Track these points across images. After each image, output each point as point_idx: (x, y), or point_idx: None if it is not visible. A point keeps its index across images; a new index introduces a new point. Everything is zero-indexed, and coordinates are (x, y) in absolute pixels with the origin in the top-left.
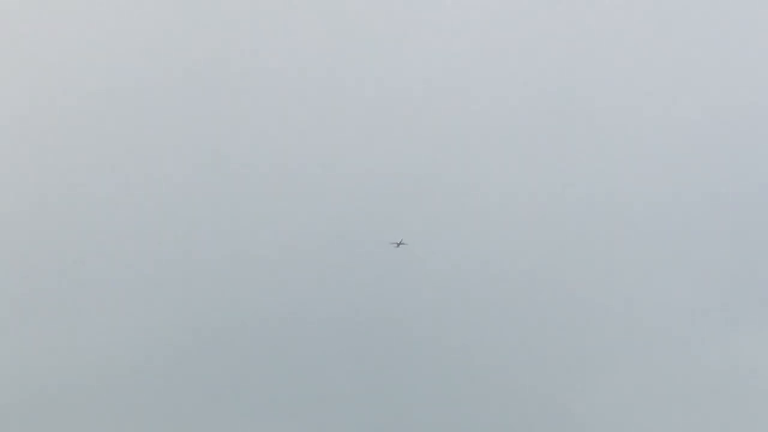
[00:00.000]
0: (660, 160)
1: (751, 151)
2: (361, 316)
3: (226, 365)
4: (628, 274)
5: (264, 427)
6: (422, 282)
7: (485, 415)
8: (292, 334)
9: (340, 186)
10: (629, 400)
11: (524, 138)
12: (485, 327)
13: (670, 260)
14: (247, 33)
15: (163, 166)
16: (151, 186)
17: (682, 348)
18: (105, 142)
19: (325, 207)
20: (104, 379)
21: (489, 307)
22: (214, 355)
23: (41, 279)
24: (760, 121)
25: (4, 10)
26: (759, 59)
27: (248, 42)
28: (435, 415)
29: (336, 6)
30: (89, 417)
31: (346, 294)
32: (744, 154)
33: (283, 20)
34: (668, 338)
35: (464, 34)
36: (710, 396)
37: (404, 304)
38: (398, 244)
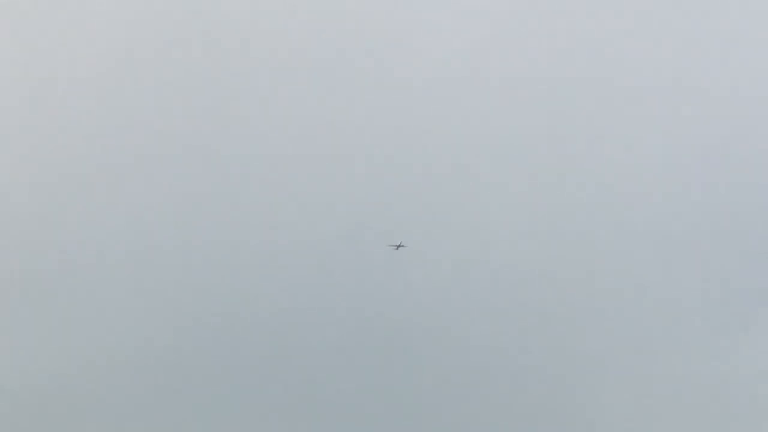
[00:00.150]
0: (660, 162)
1: (751, 153)
2: (360, 317)
3: (226, 365)
4: (628, 274)
5: (264, 427)
6: (422, 283)
7: (485, 415)
8: (291, 335)
9: (340, 186)
10: (629, 400)
11: (524, 138)
12: (485, 327)
13: (670, 260)
14: (247, 33)
15: (163, 165)
16: (151, 186)
17: (682, 349)
18: (104, 142)
19: (325, 208)
20: (104, 379)
21: (489, 308)
22: (214, 355)
23: (40, 279)
24: (761, 122)
25: (3, 10)
26: (759, 59)
27: (248, 42)
28: (435, 415)
29: (336, 6)
30: (89, 417)
31: (346, 295)
32: (744, 157)
33: (283, 20)
34: (668, 339)
35: (464, 34)
36: (710, 397)
37: (404, 304)
38: (398, 247)
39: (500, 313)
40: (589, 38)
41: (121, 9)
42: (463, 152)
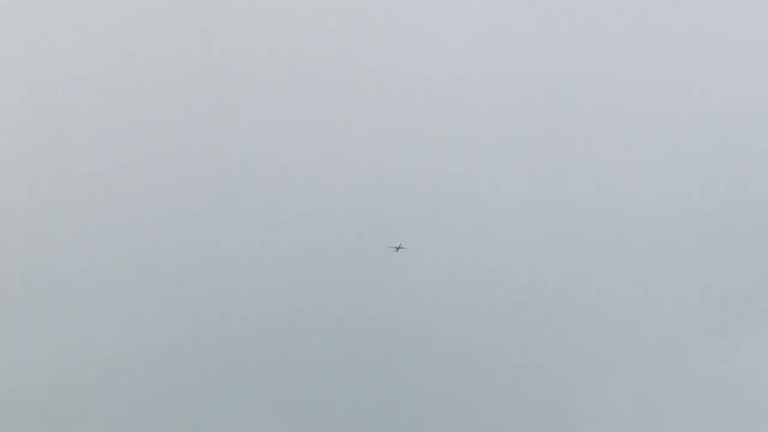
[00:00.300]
0: (660, 162)
1: (751, 153)
2: (360, 317)
3: (226, 366)
4: (628, 274)
5: (264, 427)
6: (422, 283)
7: (485, 415)
8: (291, 335)
9: (340, 187)
10: (629, 400)
11: (524, 138)
12: (485, 327)
13: (670, 260)
14: (247, 33)
15: (163, 165)
16: (151, 186)
17: (682, 349)
18: (104, 142)
19: (325, 208)
20: (104, 379)
21: (489, 308)
22: (214, 355)
23: (40, 279)
24: (761, 122)
25: (3, 10)
26: (759, 59)
27: (248, 42)
28: (435, 415)
29: (336, 6)
30: (89, 417)
31: (346, 295)
32: (744, 157)
33: (283, 20)
34: (668, 339)
35: (464, 34)
36: (710, 397)
37: (404, 305)
38: (397, 248)
39: (500, 313)
40: (589, 38)
41: (121, 9)
42: (463, 152)
